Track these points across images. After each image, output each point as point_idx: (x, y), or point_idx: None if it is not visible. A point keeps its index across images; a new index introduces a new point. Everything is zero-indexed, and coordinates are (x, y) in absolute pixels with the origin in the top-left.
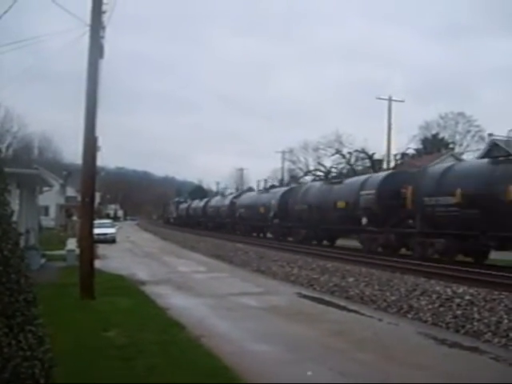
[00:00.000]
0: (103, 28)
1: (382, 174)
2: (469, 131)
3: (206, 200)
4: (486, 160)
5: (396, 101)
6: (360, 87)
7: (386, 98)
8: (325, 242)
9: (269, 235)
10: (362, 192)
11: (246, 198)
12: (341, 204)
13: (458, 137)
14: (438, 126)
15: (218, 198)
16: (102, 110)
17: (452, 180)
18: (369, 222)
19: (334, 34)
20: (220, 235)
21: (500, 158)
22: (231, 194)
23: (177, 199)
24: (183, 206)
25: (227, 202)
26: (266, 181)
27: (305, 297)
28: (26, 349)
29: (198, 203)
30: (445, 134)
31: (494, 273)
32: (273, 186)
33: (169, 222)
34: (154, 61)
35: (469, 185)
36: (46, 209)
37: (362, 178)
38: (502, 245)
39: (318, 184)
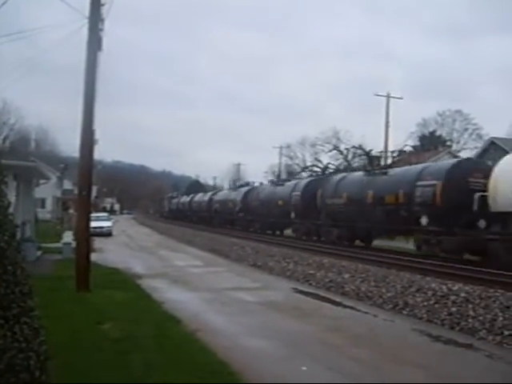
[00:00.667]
0: (102, 20)
1: (304, 181)
2: (466, 129)
3: (191, 196)
4: (362, 173)
5: (394, 97)
6: (358, 84)
7: (384, 94)
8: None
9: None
10: (293, 193)
11: (221, 194)
12: (281, 202)
13: (455, 134)
14: (436, 123)
15: (200, 194)
16: (100, 103)
17: (342, 186)
18: (296, 215)
19: (333, 30)
20: (217, 230)
21: (368, 171)
22: (228, 188)
23: (170, 195)
24: (175, 200)
25: (207, 198)
26: (234, 181)
27: (301, 292)
28: (21, 340)
29: (185, 199)
30: (442, 132)
31: (489, 270)
32: (241, 186)
33: (163, 215)
34: (152, 54)
35: (351, 190)
36: (43, 201)
37: (293, 182)
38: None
39: (266, 185)
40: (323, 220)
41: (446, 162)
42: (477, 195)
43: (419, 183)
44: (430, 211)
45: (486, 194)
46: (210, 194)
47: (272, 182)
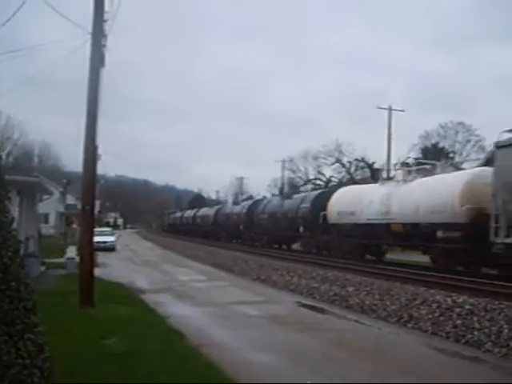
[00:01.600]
0: (105, 36)
1: (314, 193)
2: (469, 141)
3: (182, 212)
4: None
5: (396, 110)
6: (360, 96)
7: (386, 107)
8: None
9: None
10: (301, 206)
11: (203, 210)
12: (290, 215)
13: (457, 146)
14: (438, 135)
15: (189, 211)
16: (103, 118)
17: (268, 206)
18: (304, 229)
19: (333, 41)
20: (217, 243)
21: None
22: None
23: (169, 211)
24: (172, 215)
25: (192, 213)
26: (237, 195)
27: (304, 306)
28: (25, 357)
29: (177, 214)
30: (445, 144)
31: (494, 282)
32: (218, 202)
33: (164, 230)
34: (151, 68)
35: (272, 208)
36: (46, 216)
37: (302, 195)
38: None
39: (273, 198)
40: (334, 234)
41: (313, 192)
42: (321, 213)
43: (301, 206)
44: (304, 223)
45: (325, 212)
46: (194, 210)
47: (279, 194)
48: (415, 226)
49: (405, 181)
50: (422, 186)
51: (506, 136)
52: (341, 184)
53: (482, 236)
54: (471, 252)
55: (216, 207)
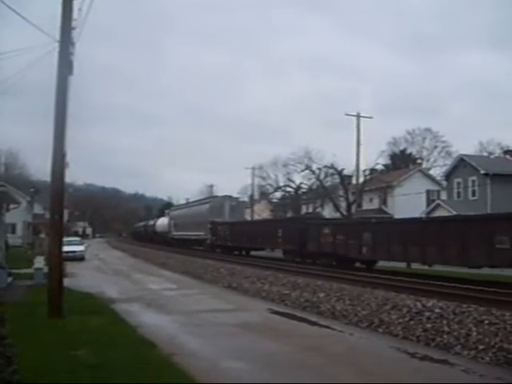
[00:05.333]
0: (73, 44)
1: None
2: (436, 147)
3: (145, 221)
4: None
5: (364, 117)
6: (329, 100)
7: (355, 114)
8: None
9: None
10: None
11: (152, 220)
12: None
13: (425, 152)
14: (406, 141)
15: (151, 220)
16: (70, 124)
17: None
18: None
19: (301, 46)
20: (189, 252)
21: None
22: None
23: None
24: (136, 225)
25: (152, 222)
26: (187, 199)
27: (276, 313)
28: None
29: (140, 224)
30: (412, 150)
31: (462, 286)
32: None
33: (134, 238)
34: (119, 73)
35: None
36: (13, 226)
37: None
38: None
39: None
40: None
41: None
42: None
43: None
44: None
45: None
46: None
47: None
48: None
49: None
50: None
51: None
52: (311, 190)
53: None
54: None
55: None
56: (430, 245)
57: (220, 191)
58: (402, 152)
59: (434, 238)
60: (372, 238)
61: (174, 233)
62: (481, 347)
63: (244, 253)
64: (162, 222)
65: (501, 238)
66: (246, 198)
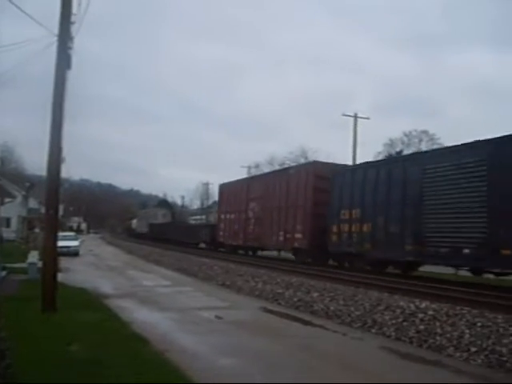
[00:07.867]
0: (71, 39)
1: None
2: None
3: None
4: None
5: (361, 118)
6: (326, 99)
7: (352, 114)
8: None
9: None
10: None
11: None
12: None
13: None
14: (402, 143)
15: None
16: (67, 120)
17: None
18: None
19: (300, 42)
20: (184, 249)
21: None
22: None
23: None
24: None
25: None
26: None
27: (270, 311)
28: None
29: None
30: (409, 151)
31: (456, 288)
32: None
33: (129, 234)
34: (114, 66)
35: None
36: (8, 220)
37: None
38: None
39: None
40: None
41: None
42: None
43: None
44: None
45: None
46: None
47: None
48: None
49: None
50: None
51: None
52: None
53: None
54: None
55: None
56: None
57: (216, 189)
58: (399, 154)
59: None
60: None
61: (137, 230)
62: (473, 349)
63: (242, 252)
64: (134, 221)
65: None
66: None
